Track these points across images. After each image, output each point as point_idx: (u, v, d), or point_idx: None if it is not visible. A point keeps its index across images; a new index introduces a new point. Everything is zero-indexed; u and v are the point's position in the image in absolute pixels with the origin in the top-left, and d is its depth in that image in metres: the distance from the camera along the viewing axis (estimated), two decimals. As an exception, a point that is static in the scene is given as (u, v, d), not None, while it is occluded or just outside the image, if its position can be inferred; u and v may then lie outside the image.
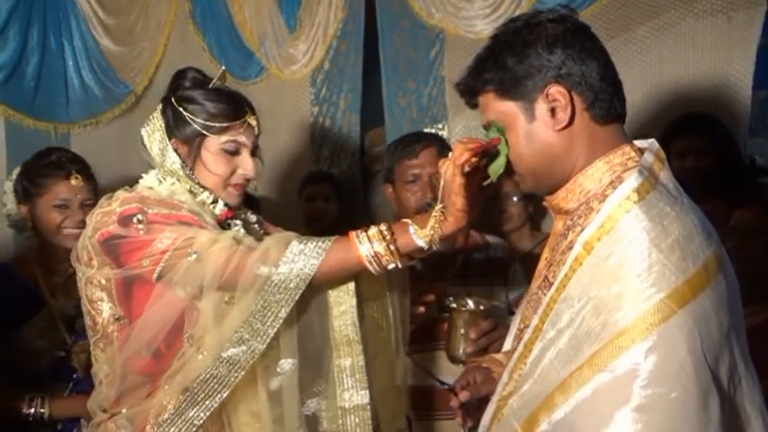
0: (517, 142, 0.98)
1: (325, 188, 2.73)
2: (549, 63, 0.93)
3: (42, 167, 1.73)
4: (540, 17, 0.97)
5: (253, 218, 1.43)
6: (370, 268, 1.15)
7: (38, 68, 3.24)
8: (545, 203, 1.04)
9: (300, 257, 1.14)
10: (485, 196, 1.14)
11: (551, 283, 0.93)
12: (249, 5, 3.06)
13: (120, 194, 1.26)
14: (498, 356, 1.25)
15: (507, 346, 1.22)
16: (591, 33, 0.97)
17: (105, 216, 1.23)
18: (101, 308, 1.25)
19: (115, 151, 3.16)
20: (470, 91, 1.03)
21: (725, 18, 2.37)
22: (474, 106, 1.05)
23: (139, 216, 1.19)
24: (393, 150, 1.79)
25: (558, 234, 1.01)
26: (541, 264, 1.07)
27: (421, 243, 1.15)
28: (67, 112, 3.34)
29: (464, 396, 1.17)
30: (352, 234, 1.17)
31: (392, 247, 1.14)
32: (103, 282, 1.23)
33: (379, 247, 1.14)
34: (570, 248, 0.91)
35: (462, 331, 1.43)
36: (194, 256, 1.15)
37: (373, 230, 1.15)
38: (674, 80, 2.45)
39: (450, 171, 1.07)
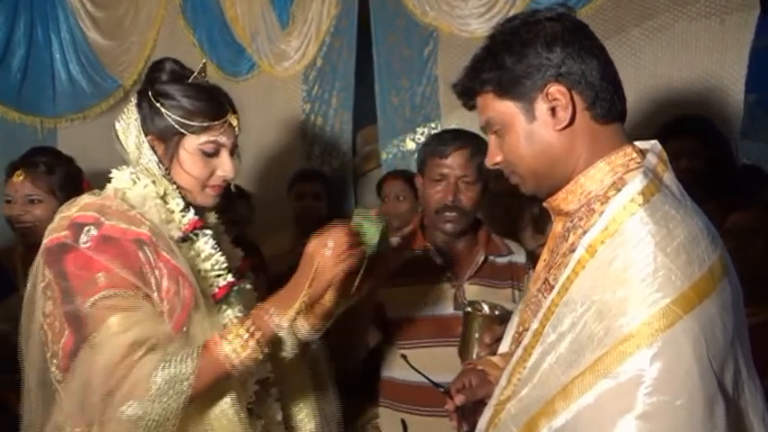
0: (517, 143, 0.96)
1: (315, 186, 2.71)
2: (548, 62, 0.91)
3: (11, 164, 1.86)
4: (538, 16, 0.95)
5: (222, 228, 1.38)
6: (236, 373, 1.12)
7: (24, 61, 3.19)
8: (545, 205, 1.02)
9: (167, 393, 1.05)
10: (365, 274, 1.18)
11: (552, 286, 0.91)
12: (241, 1, 3.03)
13: (83, 199, 1.19)
14: (494, 359, 1.24)
15: (504, 348, 1.21)
16: (589, 32, 0.96)
17: (62, 221, 1.15)
18: (54, 323, 1.15)
19: (103, 146, 3.03)
20: (468, 92, 1.01)
21: (718, 21, 2.38)
22: (471, 107, 1.03)
23: (91, 228, 1.11)
24: (427, 144, 1.77)
25: (558, 236, 0.99)
26: (540, 266, 1.05)
27: (284, 325, 1.14)
28: (54, 106, 3.29)
29: (459, 399, 1.16)
30: (213, 344, 1.11)
31: (253, 345, 1.11)
32: (54, 294, 1.13)
33: (243, 352, 1.11)
34: (572, 251, 0.89)
35: (477, 335, 1.43)
36: (91, 349, 1.07)
37: (232, 334, 1.11)
38: (668, 82, 2.46)
39: (331, 263, 1.11)
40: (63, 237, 1.12)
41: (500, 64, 0.94)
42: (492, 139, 1.01)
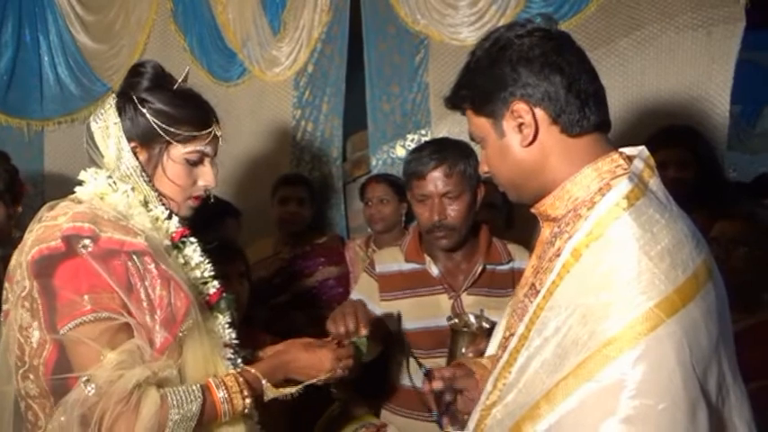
0: (493, 157, 1.00)
1: (299, 191, 2.69)
2: (513, 81, 0.94)
3: None
4: (510, 33, 0.97)
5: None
6: (222, 419, 1.18)
7: (11, 63, 3.17)
8: (532, 210, 1.03)
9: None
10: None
11: (538, 291, 0.91)
12: (233, 6, 3.03)
13: (67, 207, 1.14)
14: (483, 361, 1.24)
15: (492, 350, 1.21)
16: (559, 45, 0.96)
17: (48, 230, 1.10)
18: (31, 336, 1.10)
19: (91, 150, 3.09)
20: (454, 106, 1.05)
21: (705, 32, 2.42)
22: (464, 114, 1.06)
23: (86, 241, 1.07)
24: (408, 163, 1.70)
25: (546, 241, 0.99)
26: (528, 271, 1.06)
27: (271, 396, 1.24)
28: (41, 109, 3.26)
29: (437, 384, 1.17)
30: (214, 389, 1.16)
31: (247, 402, 1.19)
32: (35, 306, 1.09)
33: (237, 406, 1.18)
34: (558, 256, 0.90)
35: (463, 351, 1.44)
36: (92, 390, 1.05)
37: (234, 388, 1.18)
38: (655, 92, 2.49)
39: (324, 369, 1.31)
40: (54, 247, 1.08)
41: (473, 82, 0.99)
42: (481, 150, 1.05)
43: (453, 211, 1.62)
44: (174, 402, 1.09)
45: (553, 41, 0.95)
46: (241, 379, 1.19)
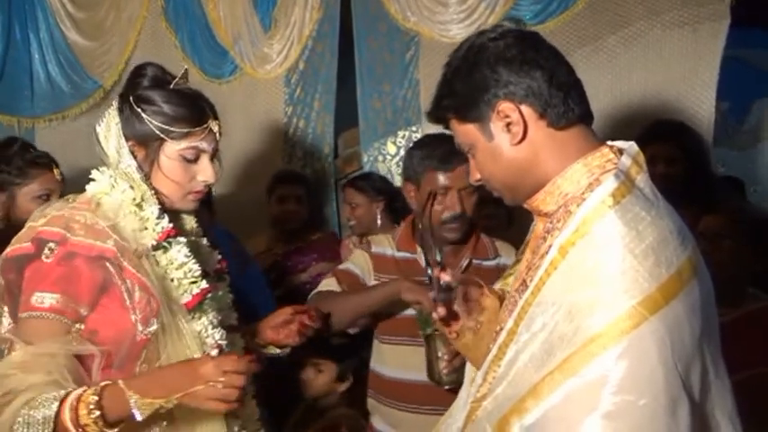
0: (484, 162, 1.00)
1: (298, 189, 2.70)
2: (494, 82, 0.95)
3: (28, 157, 1.79)
4: (482, 38, 0.98)
5: (200, 231, 1.36)
6: None
7: (2, 60, 3.17)
8: (525, 206, 1.04)
9: None
10: None
11: (528, 287, 0.93)
12: (224, 4, 3.03)
13: (52, 211, 1.19)
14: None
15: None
16: (533, 42, 0.97)
17: (28, 231, 1.17)
18: (2, 323, 1.16)
19: (81, 148, 3.07)
20: (438, 120, 1.06)
21: (691, 30, 2.45)
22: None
23: (52, 245, 1.12)
24: (423, 156, 1.68)
25: (539, 237, 1.01)
26: (522, 266, 1.07)
27: (139, 417, 1.06)
28: (32, 106, 3.26)
29: (445, 276, 1.13)
30: (65, 405, 1.04)
31: (99, 423, 1.05)
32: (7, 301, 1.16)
33: (87, 421, 1.05)
34: (548, 252, 0.91)
35: (440, 353, 1.44)
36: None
37: (82, 405, 1.05)
38: (642, 88, 2.52)
39: (212, 396, 1.07)
40: (25, 248, 1.14)
41: (453, 91, 0.99)
42: (470, 159, 1.05)
43: (469, 204, 1.67)
44: (25, 408, 1.04)
45: (527, 40, 0.97)
46: (92, 397, 1.05)
